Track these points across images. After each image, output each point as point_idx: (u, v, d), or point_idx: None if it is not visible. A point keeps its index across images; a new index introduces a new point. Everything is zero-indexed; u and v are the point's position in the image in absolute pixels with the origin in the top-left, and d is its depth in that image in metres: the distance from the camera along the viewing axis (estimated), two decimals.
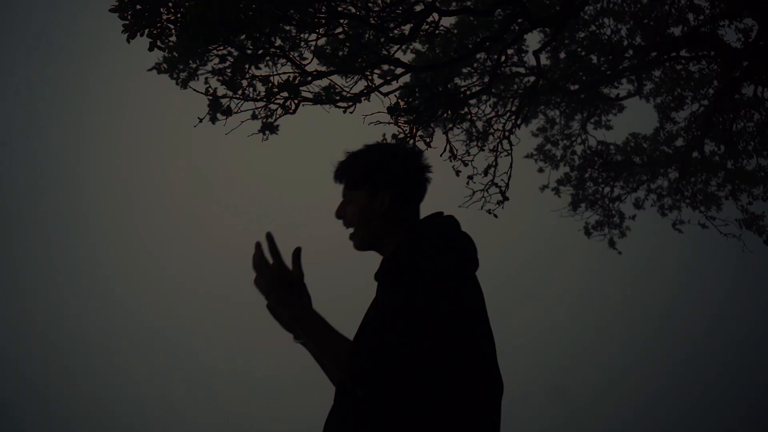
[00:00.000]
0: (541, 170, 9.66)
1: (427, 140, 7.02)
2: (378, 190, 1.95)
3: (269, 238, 1.82)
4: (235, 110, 6.88)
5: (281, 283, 1.77)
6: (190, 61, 7.33)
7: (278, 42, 7.64)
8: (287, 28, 7.33)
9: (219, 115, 7.28)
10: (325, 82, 8.02)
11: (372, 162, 1.98)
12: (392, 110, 6.07)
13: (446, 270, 1.73)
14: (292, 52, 7.30)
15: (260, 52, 6.53)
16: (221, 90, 6.85)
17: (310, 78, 6.32)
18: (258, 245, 1.80)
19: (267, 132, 8.01)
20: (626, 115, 9.53)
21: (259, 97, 6.40)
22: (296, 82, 6.48)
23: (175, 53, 7.24)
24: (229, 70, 7.38)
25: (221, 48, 6.67)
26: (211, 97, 6.54)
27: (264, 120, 7.60)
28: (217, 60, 7.41)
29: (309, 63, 6.80)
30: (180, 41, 6.71)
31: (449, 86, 6.94)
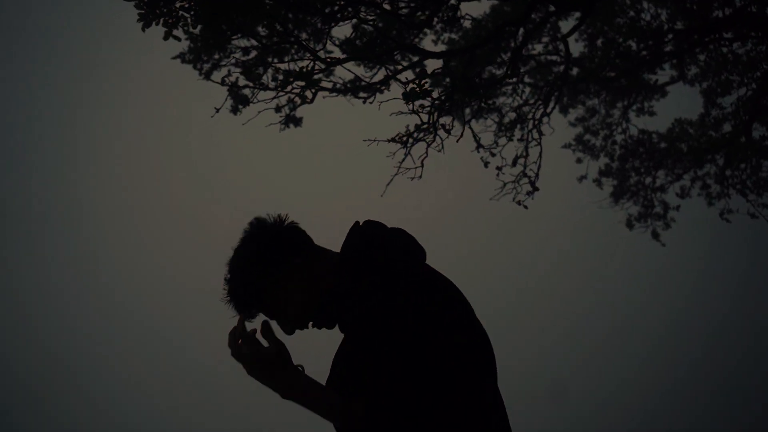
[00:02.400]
0: (579, 161, 9.35)
1: (448, 128, 6.84)
2: (276, 280, 1.80)
3: (240, 321, 1.71)
4: (252, 100, 6.91)
5: (259, 367, 1.66)
6: (215, 53, 7.41)
7: (304, 35, 7.66)
8: (311, 19, 7.32)
9: (239, 107, 7.36)
10: (347, 74, 8.01)
11: (246, 281, 1.82)
12: (408, 96, 5.91)
13: (396, 297, 1.66)
14: (309, 41, 7.28)
15: (275, 40, 6.50)
16: (241, 81, 6.89)
17: (324, 66, 6.25)
18: (230, 333, 1.69)
19: (290, 125, 8.06)
20: (669, 101, 9.13)
21: (274, 87, 6.36)
22: (312, 70, 6.43)
23: (199, 43, 7.35)
24: (252, 62, 7.43)
25: (238, 37, 6.70)
26: (228, 87, 6.56)
27: (284, 109, 7.62)
28: (240, 53, 7.48)
29: (321, 51, 6.75)
30: (200, 31, 6.79)
31: (468, 73, 6.77)
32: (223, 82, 6.35)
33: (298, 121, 8.01)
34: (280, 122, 7.37)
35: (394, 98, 6.23)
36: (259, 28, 6.67)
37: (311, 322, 1.86)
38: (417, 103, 6.38)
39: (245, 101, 6.70)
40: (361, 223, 1.88)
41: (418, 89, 5.95)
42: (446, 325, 1.65)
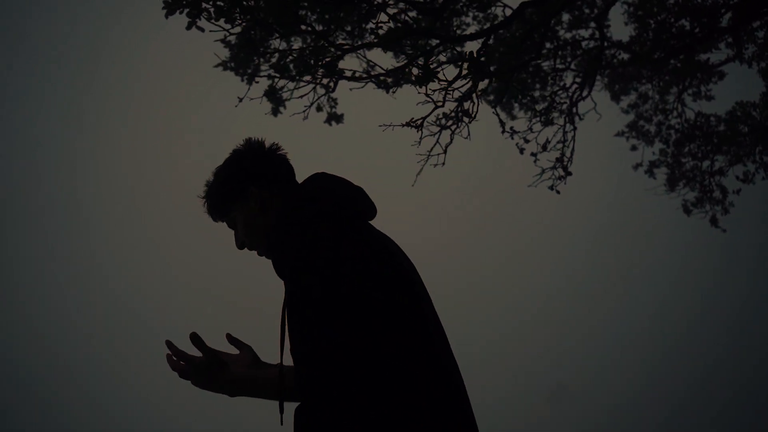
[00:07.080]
0: (634, 148, 9.06)
1: (471, 113, 6.94)
2: (242, 194, 1.89)
3: (168, 344, 1.85)
4: (287, 98, 7.34)
5: (201, 378, 1.81)
6: (254, 58, 7.92)
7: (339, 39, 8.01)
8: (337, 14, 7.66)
9: (280, 108, 7.80)
10: (382, 64, 8.26)
11: (222, 181, 1.94)
12: (418, 80, 6.11)
13: (316, 256, 1.58)
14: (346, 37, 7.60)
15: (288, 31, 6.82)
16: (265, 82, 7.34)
17: (341, 53, 6.56)
18: (167, 356, 1.84)
19: (332, 122, 8.41)
20: (728, 83, 8.67)
21: (295, 76, 6.74)
22: (334, 59, 6.74)
23: (242, 54, 7.88)
24: (292, 65, 7.87)
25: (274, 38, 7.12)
26: (267, 89, 7.00)
27: (325, 108, 7.99)
28: (278, 55, 7.94)
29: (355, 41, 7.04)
30: (237, 39, 7.32)
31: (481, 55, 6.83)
32: (249, 85, 6.73)
33: (339, 118, 8.36)
34: (325, 122, 7.74)
35: (407, 85, 6.44)
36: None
37: (256, 251, 1.92)
38: (432, 87, 6.55)
39: (274, 93, 7.12)
40: (315, 175, 1.90)
41: (425, 72, 6.13)
42: (367, 280, 1.56)
